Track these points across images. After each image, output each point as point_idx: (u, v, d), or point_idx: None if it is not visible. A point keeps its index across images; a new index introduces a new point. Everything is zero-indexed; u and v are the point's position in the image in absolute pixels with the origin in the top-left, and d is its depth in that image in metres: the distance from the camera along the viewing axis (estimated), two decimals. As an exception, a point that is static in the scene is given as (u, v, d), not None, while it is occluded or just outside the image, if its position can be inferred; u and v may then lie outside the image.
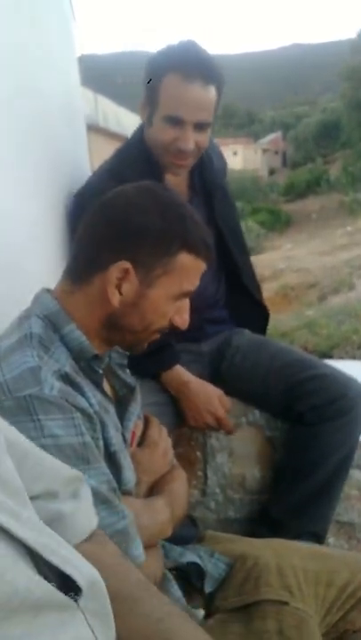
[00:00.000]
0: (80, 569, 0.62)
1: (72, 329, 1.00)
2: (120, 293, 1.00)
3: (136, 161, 1.72)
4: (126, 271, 1.00)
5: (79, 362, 1.01)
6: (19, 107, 1.45)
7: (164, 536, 1.09)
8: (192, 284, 1.06)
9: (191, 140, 1.60)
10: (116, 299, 1.00)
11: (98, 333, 1.04)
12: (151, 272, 1.01)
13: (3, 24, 1.38)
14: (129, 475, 1.06)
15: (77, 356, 1.01)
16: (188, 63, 1.55)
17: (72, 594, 0.59)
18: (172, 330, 1.09)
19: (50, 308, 1.02)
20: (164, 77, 1.57)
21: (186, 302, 1.09)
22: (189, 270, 1.03)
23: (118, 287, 1.00)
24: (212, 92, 1.59)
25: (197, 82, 1.54)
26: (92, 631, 0.60)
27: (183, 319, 1.09)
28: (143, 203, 1.02)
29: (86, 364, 1.02)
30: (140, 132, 1.77)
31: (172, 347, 1.70)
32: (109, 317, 1.02)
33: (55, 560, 0.59)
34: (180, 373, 1.71)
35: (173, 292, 1.03)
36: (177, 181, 1.79)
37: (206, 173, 1.82)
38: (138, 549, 0.91)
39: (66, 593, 0.58)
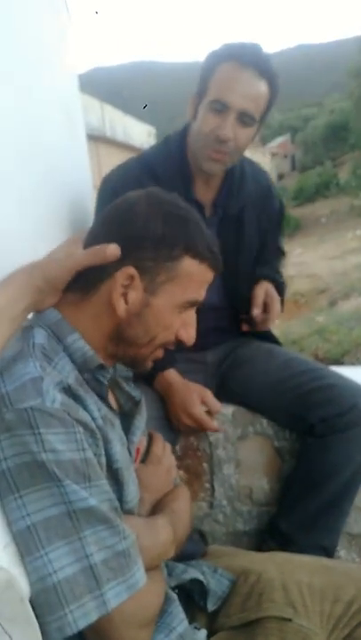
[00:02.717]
0: None
1: (76, 338, 0.99)
2: (126, 302, 0.98)
3: (170, 159, 1.72)
4: (132, 277, 0.98)
5: (83, 373, 0.99)
6: (18, 118, 1.45)
7: (167, 557, 1.05)
8: (197, 292, 1.03)
9: (231, 128, 1.57)
10: (121, 307, 0.98)
11: (104, 347, 1.02)
12: (155, 278, 0.98)
13: (0, 35, 1.37)
14: (133, 491, 1.03)
15: (81, 366, 0.99)
16: (244, 53, 1.54)
17: None
18: (178, 345, 1.07)
19: (51, 319, 1.00)
20: (217, 66, 1.57)
21: (192, 315, 1.06)
22: (194, 277, 1.01)
23: (124, 296, 0.98)
24: (263, 86, 1.56)
25: (250, 70, 1.53)
26: (11, 638, 0.57)
27: (189, 334, 1.06)
28: (146, 207, 1.00)
29: (91, 375, 1.00)
30: (182, 133, 1.77)
31: (169, 351, 1.67)
32: (116, 330, 1.00)
33: None
34: (167, 375, 1.65)
35: (178, 300, 1.00)
36: (206, 191, 1.77)
37: (234, 193, 1.80)
38: (139, 572, 0.88)
39: None
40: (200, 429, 1.65)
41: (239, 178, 1.80)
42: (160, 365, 1.64)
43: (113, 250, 0.97)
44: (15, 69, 1.46)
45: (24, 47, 1.54)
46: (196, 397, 1.61)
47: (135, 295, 0.98)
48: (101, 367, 1.01)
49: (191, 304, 1.03)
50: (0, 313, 0.92)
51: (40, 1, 1.74)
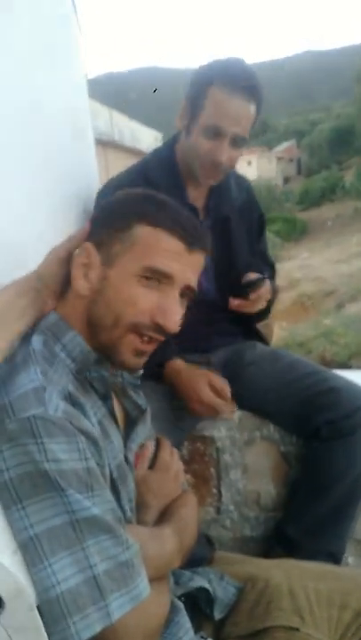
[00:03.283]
0: (4, 581, 0.58)
1: (73, 336, 0.98)
2: (87, 280, 0.97)
3: (161, 166, 1.77)
4: (88, 253, 0.97)
5: (83, 373, 0.98)
6: (27, 123, 1.45)
7: (172, 567, 1.04)
8: (156, 260, 0.94)
9: (225, 154, 1.64)
10: (81, 285, 0.97)
11: (89, 340, 0.99)
12: (110, 250, 0.96)
13: (9, 43, 1.38)
14: (126, 499, 1.02)
15: (81, 364, 0.98)
16: (234, 76, 1.58)
17: None
18: (160, 332, 0.97)
19: (50, 320, 1.00)
20: (209, 88, 1.60)
21: (169, 301, 0.96)
22: (150, 244, 0.95)
23: (86, 275, 0.97)
24: (252, 107, 1.62)
25: (241, 95, 1.58)
26: None
27: (167, 319, 0.96)
28: (117, 194, 1.03)
29: (96, 373, 0.99)
30: (172, 141, 1.83)
31: (169, 342, 1.67)
32: (87, 314, 0.98)
33: None
34: (174, 364, 1.66)
35: (134, 268, 0.94)
36: (197, 196, 1.81)
37: (223, 199, 1.85)
38: (142, 583, 0.86)
39: None
40: (214, 413, 1.64)
41: (225, 184, 1.85)
42: (165, 356, 1.65)
43: (82, 229, 0.99)
44: (26, 76, 1.47)
45: (35, 54, 1.55)
46: (203, 382, 1.61)
47: (94, 272, 0.97)
48: (99, 362, 1.00)
49: (151, 272, 0.95)
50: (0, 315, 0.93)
51: (51, 9, 1.75)
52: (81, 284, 0.97)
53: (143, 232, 0.95)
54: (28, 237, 1.37)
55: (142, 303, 0.95)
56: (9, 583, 0.59)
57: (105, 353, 0.99)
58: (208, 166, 1.67)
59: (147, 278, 0.95)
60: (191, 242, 0.97)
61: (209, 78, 1.60)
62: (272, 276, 2.00)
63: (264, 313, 1.90)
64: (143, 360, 1.01)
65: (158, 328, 0.96)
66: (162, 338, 0.98)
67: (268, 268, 2.01)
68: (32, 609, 0.62)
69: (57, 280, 1.01)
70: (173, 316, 0.96)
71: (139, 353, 0.99)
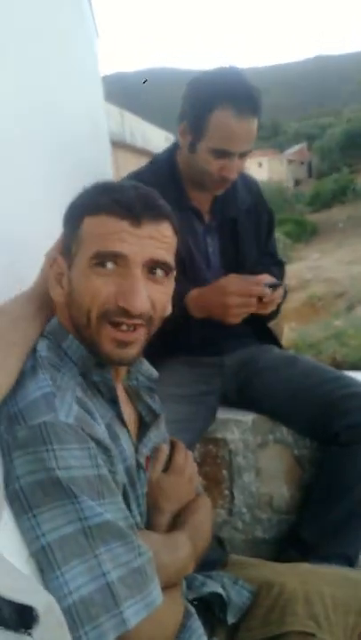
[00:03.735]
0: (36, 596, 0.58)
1: (71, 340, 0.97)
2: (61, 287, 0.97)
3: (163, 174, 1.77)
4: (57, 262, 0.98)
5: (88, 376, 0.97)
6: (44, 123, 1.47)
7: (185, 574, 1.03)
8: (101, 244, 0.91)
9: (236, 170, 1.67)
10: (55, 292, 0.97)
11: (80, 343, 0.98)
12: (71, 253, 0.96)
13: (27, 42, 1.39)
14: (135, 504, 1.01)
15: (83, 369, 0.97)
16: (239, 97, 1.57)
17: (23, 629, 0.55)
18: (124, 313, 0.92)
19: (52, 324, 1.00)
20: (214, 109, 1.59)
21: (128, 282, 0.91)
22: (94, 232, 0.92)
23: (59, 282, 0.97)
24: (255, 122, 1.63)
25: (247, 116, 1.59)
26: None
27: (128, 301, 0.90)
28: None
29: (99, 377, 0.98)
30: (172, 148, 1.83)
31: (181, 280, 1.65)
32: (71, 319, 0.97)
33: (7, 594, 0.55)
34: (191, 296, 1.65)
35: (85, 261, 0.92)
36: (200, 200, 1.81)
37: (229, 200, 1.84)
38: (156, 590, 0.85)
39: (20, 624, 0.55)
40: (251, 306, 1.57)
41: (232, 186, 1.83)
42: (181, 294, 1.60)
43: (58, 240, 1.00)
44: (44, 78, 1.49)
45: (52, 57, 1.57)
46: (219, 294, 1.58)
47: (65, 278, 0.97)
48: (100, 366, 0.98)
49: (100, 258, 0.91)
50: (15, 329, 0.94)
51: (69, 13, 1.76)
52: (56, 292, 0.97)
53: (88, 224, 0.93)
54: (47, 235, 1.38)
55: (102, 291, 0.91)
56: (41, 598, 0.59)
57: (93, 352, 0.96)
58: (219, 182, 1.70)
59: (100, 265, 0.91)
60: (136, 215, 0.92)
61: (212, 101, 1.59)
62: (281, 275, 1.99)
63: (274, 313, 1.89)
64: (130, 351, 0.96)
65: (126, 312, 0.91)
66: (134, 322, 0.93)
67: (278, 268, 2.00)
68: (62, 625, 0.62)
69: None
70: (136, 295, 0.91)
71: (120, 343, 0.94)
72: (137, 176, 1.77)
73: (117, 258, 0.91)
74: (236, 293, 1.55)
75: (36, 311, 0.99)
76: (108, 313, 0.92)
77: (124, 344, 0.95)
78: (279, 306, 1.87)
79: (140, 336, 0.96)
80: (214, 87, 1.60)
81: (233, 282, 1.58)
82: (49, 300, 1.00)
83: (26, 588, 0.60)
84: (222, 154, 1.63)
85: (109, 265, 0.91)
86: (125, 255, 0.91)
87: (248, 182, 1.96)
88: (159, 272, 0.95)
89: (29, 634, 0.55)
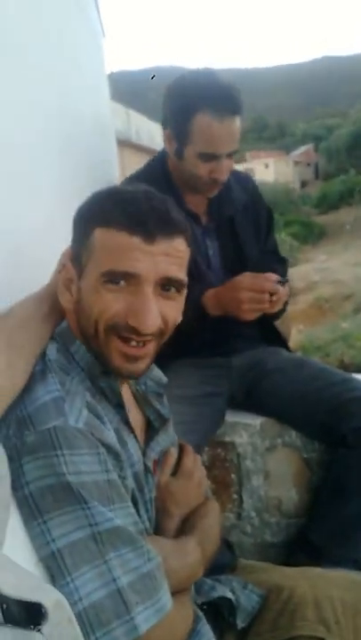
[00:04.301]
0: (44, 593, 0.58)
1: (78, 346, 0.96)
2: (71, 294, 0.95)
3: (156, 179, 1.74)
4: (66, 268, 0.96)
5: (95, 382, 0.96)
6: (51, 122, 1.48)
7: (195, 579, 1.02)
8: (113, 262, 0.89)
9: (225, 171, 1.67)
10: (64, 298, 0.96)
11: (87, 350, 0.97)
12: (81, 261, 0.93)
13: (33, 42, 1.39)
14: (144, 509, 1.00)
15: (90, 374, 0.96)
16: (217, 100, 1.58)
17: (32, 626, 0.55)
18: (133, 331, 0.91)
19: (61, 327, 0.99)
20: (195, 115, 1.60)
21: (139, 301, 0.89)
22: (107, 246, 0.90)
23: (69, 288, 0.96)
24: (238, 121, 1.63)
25: (228, 117, 1.59)
26: None
27: (138, 321, 0.89)
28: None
29: (105, 383, 0.97)
30: (162, 154, 1.84)
31: (196, 277, 1.62)
32: (79, 325, 0.96)
33: (14, 593, 0.55)
34: (206, 296, 1.67)
35: (96, 275, 0.90)
36: (196, 203, 1.81)
37: (224, 200, 1.84)
38: (165, 595, 0.84)
39: (29, 621, 0.54)
40: (264, 302, 1.58)
41: (226, 185, 1.82)
42: (197, 295, 1.64)
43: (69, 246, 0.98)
44: (54, 81, 1.50)
45: (61, 61, 1.58)
46: (239, 290, 1.58)
47: (74, 285, 0.95)
48: (105, 374, 0.96)
49: (112, 276, 0.89)
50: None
51: (77, 17, 1.77)
52: (64, 298, 0.96)
53: (99, 236, 0.90)
54: (57, 236, 1.38)
55: (112, 307, 0.89)
56: (50, 595, 0.59)
57: (101, 362, 0.95)
58: (210, 184, 1.71)
59: (111, 282, 0.89)
60: (150, 231, 0.89)
61: (191, 107, 1.60)
62: (285, 273, 1.98)
63: (280, 311, 1.89)
64: (140, 366, 0.95)
65: (134, 330, 0.90)
66: (144, 339, 0.92)
67: (281, 266, 2.00)
68: (71, 621, 0.62)
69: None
70: (147, 315, 0.89)
71: (130, 358, 0.93)
72: (133, 181, 1.77)
73: (129, 277, 0.89)
74: (249, 288, 1.57)
75: (48, 312, 0.97)
76: (117, 327, 0.90)
77: (133, 359, 0.93)
78: (285, 304, 1.87)
79: (150, 350, 0.95)
80: (191, 92, 1.61)
81: (246, 278, 1.60)
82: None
83: (33, 585, 0.60)
84: (209, 157, 1.64)
85: (122, 283, 0.89)
86: (138, 275, 0.89)
87: (242, 180, 1.96)
88: (172, 289, 0.94)
89: (39, 630, 0.55)
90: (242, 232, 1.87)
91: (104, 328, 0.90)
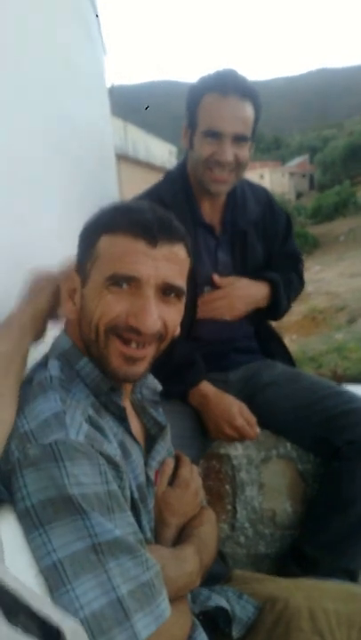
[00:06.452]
0: (63, 621, 0.60)
1: (85, 363, 0.99)
2: (73, 303, 0.99)
3: (174, 188, 1.80)
4: (71, 278, 1.00)
5: (99, 397, 0.99)
6: (52, 135, 1.50)
7: (192, 587, 1.04)
8: (115, 266, 0.93)
9: (230, 152, 1.66)
10: (67, 308, 1.00)
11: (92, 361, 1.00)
12: (85, 269, 0.98)
13: (36, 56, 1.41)
14: (146, 520, 1.02)
15: (95, 391, 0.98)
16: (224, 82, 1.63)
17: None
18: (133, 331, 0.94)
19: (64, 346, 1.01)
20: (202, 98, 1.65)
21: (140, 302, 0.93)
22: (110, 252, 0.94)
23: (72, 298, 1.00)
24: (248, 107, 1.65)
25: (233, 96, 1.62)
26: None
27: (139, 321, 0.93)
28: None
29: (108, 398, 1.00)
30: (183, 162, 1.87)
31: (197, 363, 1.71)
32: (83, 340, 1.00)
33: (43, 611, 0.56)
34: (202, 388, 1.69)
35: (100, 280, 0.94)
36: (212, 213, 1.84)
37: (239, 210, 1.87)
38: (163, 603, 0.86)
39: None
40: (240, 439, 1.67)
41: (241, 197, 1.87)
42: (192, 380, 1.68)
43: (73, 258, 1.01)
44: (54, 95, 1.52)
45: (58, 68, 1.59)
46: (236, 410, 1.64)
47: (77, 294, 0.99)
48: (112, 389, 1.00)
49: (115, 279, 0.93)
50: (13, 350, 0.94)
51: (79, 34, 1.80)
52: (67, 308, 1.00)
53: (104, 243, 0.95)
54: (60, 241, 1.40)
55: (114, 308, 0.93)
56: (69, 624, 0.60)
57: (101, 368, 0.98)
58: (214, 168, 1.69)
59: (114, 285, 0.93)
60: (152, 236, 0.94)
61: (201, 89, 1.66)
62: (301, 274, 2.07)
63: (283, 310, 1.96)
64: (137, 369, 0.98)
65: (136, 331, 0.94)
66: (144, 340, 0.96)
67: (296, 274, 2.05)
68: None
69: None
70: (148, 316, 0.93)
71: (128, 359, 0.96)
72: (152, 192, 1.80)
73: (131, 280, 0.93)
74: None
75: (16, 344, 0.96)
76: (117, 328, 0.94)
77: (132, 360, 0.97)
78: (290, 301, 1.92)
79: (149, 353, 0.99)
80: (204, 79, 1.67)
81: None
82: (32, 326, 1.00)
83: (53, 613, 0.61)
84: (213, 135, 1.65)
85: (124, 285, 0.94)
86: (139, 278, 0.93)
87: (257, 193, 1.98)
88: (172, 295, 0.98)
89: None
90: (250, 247, 1.90)
91: (104, 330, 0.94)
